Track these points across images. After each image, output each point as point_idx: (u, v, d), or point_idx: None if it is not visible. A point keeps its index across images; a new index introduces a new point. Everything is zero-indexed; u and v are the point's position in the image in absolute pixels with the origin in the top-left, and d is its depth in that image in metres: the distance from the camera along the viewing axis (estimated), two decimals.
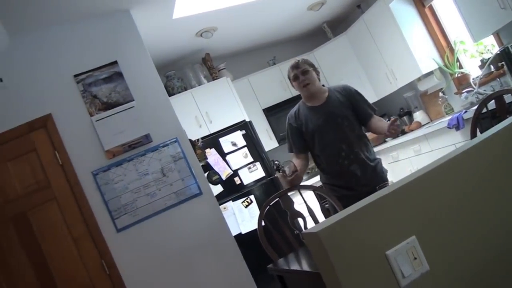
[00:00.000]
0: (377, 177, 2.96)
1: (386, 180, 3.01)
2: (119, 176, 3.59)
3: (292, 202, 2.86)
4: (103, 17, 3.85)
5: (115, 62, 3.77)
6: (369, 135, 3.31)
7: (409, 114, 5.61)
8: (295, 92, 5.84)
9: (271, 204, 2.84)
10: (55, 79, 3.67)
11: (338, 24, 6.46)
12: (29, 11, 3.39)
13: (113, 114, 3.68)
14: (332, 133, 2.97)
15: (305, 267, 2.30)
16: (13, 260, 3.39)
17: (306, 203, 2.90)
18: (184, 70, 5.60)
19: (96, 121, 3.64)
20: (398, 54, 5.13)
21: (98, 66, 3.75)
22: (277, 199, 2.87)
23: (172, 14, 4.32)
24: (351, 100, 3.03)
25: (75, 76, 3.70)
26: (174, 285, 3.57)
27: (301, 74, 3.01)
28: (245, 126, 5.07)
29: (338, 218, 1.26)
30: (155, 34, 4.53)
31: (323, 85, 3.15)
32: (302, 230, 2.76)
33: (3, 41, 3.58)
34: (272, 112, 5.89)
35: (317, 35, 6.49)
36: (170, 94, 4.88)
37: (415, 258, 1.27)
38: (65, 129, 3.61)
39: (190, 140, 3.92)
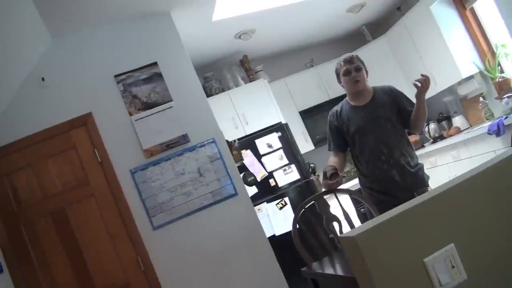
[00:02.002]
0: (417, 183, 2.83)
1: (426, 186, 2.89)
2: (156, 175, 3.66)
3: (328, 206, 2.82)
4: (144, 19, 3.92)
5: (155, 63, 3.84)
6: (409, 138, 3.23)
7: (448, 119, 5.49)
8: (333, 95, 5.83)
9: (306, 206, 2.83)
10: (96, 79, 3.77)
11: (378, 27, 6.38)
12: (71, 13, 3.50)
13: (152, 114, 3.75)
14: (373, 135, 2.90)
15: (340, 271, 2.28)
16: (51, 253, 3.49)
17: (342, 207, 2.86)
18: (222, 71, 5.64)
19: (135, 120, 3.72)
20: (438, 57, 5.02)
21: (138, 67, 3.82)
22: (313, 202, 2.85)
23: (212, 16, 4.37)
24: (396, 101, 2.95)
25: (116, 76, 3.78)
26: (207, 284, 3.60)
27: (354, 70, 2.93)
28: (281, 128, 5.07)
29: (376, 223, 1.25)
30: (194, 36, 4.59)
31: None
32: (337, 234, 2.73)
33: (46, 42, 3.70)
34: (309, 115, 5.86)
35: (355, 38, 6.42)
36: (207, 95, 4.93)
37: (453, 267, 1.24)
38: (105, 127, 3.70)
39: (227, 141, 3.95)
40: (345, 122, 3.02)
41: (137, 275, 3.54)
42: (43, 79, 3.67)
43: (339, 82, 3.07)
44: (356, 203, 4.16)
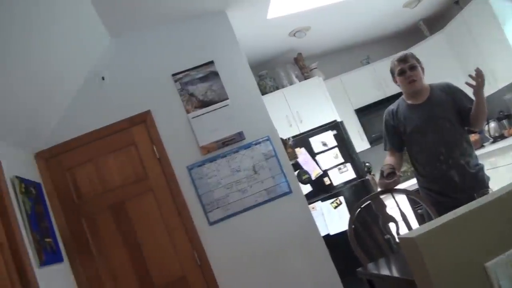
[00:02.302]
0: (477, 184, 2.74)
1: (487, 187, 2.79)
2: (212, 171, 3.72)
3: (384, 206, 2.78)
4: (200, 18, 4.00)
5: (212, 62, 3.91)
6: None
7: (509, 117, 5.24)
8: (389, 92, 5.71)
9: (362, 206, 2.80)
10: (154, 78, 3.88)
11: (435, 22, 6.17)
12: (129, 14, 3.63)
13: (208, 112, 3.82)
14: (431, 134, 2.83)
15: (397, 273, 2.25)
16: (110, 245, 3.62)
17: (399, 207, 2.81)
18: (276, 69, 5.66)
19: (192, 118, 3.80)
20: (497, 53, 4.81)
21: (195, 65, 3.90)
22: (369, 201, 2.81)
23: (267, 15, 4.39)
24: (454, 99, 2.84)
25: (173, 75, 3.88)
26: (261, 281, 3.62)
27: (409, 69, 2.87)
28: (336, 126, 5.03)
29: (436, 224, 1.22)
30: (249, 34, 4.63)
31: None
32: (393, 235, 2.69)
33: (105, 42, 3.85)
34: (364, 113, 5.78)
35: (412, 34, 6.25)
36: (262, 93, 4.95)
37: None
38: (163, 125, 3.80)
39: (281, 139, 3.97)
40: (401, 121, 2.95)
41: (193, 270, 3.61)
42: (103, 78, 3.82)
43: (395, 81, 3.01)
44: (414, 203, 4.07)
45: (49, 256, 3.12)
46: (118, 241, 3.62)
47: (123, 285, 3.56)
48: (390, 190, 2.82)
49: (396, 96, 3.14)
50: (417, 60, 2.92)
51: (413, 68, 2.87)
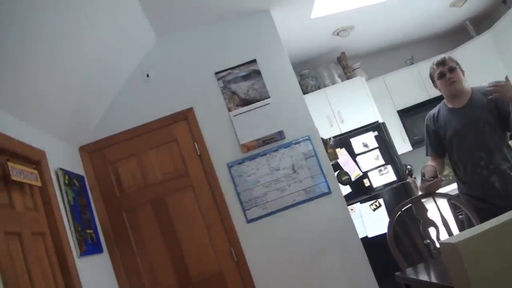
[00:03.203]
0: None
1: None
2: (252, 169, 3.75)
3: (425, 210, 2.74)
4: (244, 17, 4.03)
5: (254, 61, 3.93)
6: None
7: None
8: (433, 94, 5.56)
9: (403, 209, 2.76)
10: (197, 75, 3.94)
11: (482, 21, 5.98)
12: (174, 13, 3.69)
13: (249, 110, 3.84)
14: (471, 139, 2.77)
15: (436, 279, 2.21)
16: (149, 238, 3.70)
17: (440, 211, 2.75)
18: (319, 69, 5.63)
19: (234, 116, 3.83)
20: None
21: (238, 64, 3.93)
22: (410, 205, 2.77)
23: (311, 14, 4.38)
24: (495, 102, 2.75)
25: (216, 73, 3.92)
26: (297, 280, 3.62)
27: (449, 72, 2.83)
28: (377, 127, 4.96)
29: (478, 231, 1.20)
30: (292, 33, 4.63)
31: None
32: (433, 240, 2.64)
33: (151, 40, 3.93)
34: (407, 114, 5.67)
35: (458, 34, 6.08)
36: (303, 93, 4.94)
37: None
38: (205, 122, 3.85)
39: (322, 139, 3.95)
40: (442, 126, 2.92)
41: (230, 266, 3.65)
42: (147, 75, 3.91)
43: (435, 86, 2.98)
44: (455, 208, 3.97)
45: (90, 247, 3.22)
46: (157, 235, 3.70)
47: (160, 278, 3.64)
48: (431, 193, 2.77)
49: (440, 98, 3.09)
50: (456, 62, 2.89)
51: (452, 70, 2.84)
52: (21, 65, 2.48)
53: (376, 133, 4.91)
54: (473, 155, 2.77)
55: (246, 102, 3.86)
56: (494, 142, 2.74)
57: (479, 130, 2.76)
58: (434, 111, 3.03)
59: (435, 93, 5.52)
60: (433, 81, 2.98)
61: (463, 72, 2.89)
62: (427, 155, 3.07)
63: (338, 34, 5.13)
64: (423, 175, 2.75)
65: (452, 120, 2.87)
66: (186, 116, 3.85)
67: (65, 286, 2.72)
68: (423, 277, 2.32)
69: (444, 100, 2.99)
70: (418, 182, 2.91)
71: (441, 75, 2.87)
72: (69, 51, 2.87)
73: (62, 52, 2.80)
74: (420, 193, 2.86)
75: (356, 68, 5.66)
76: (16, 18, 2.26)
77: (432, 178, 2.73)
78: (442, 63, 2.87)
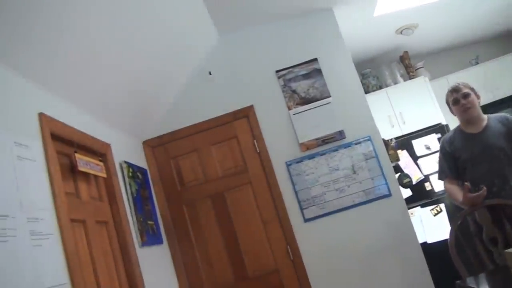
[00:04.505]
0: None
1: None
2: (310, 168, 3.73)
3: (489, 217, 2.65)
4: (306, 15, 4.01)
5: (315, 59, 3.90)
6: None
7: None
8: (498, 95, 5.40)
9: (466, 216, 2.68)
10: (258, 74, 3.96)
11: None
12: (237, 12, 3.73)
13: (309, 109, 3.82)
14: (486, 165, 2.80)
15: None
16: (208, 232, 3.77)
17: (504, 220, 2.63)
18: (381, 68, 5.52)
19: (293, 114, 3.82)
20: None
21: (299, 62, 3.92)
22: (473, 211, 2.68)
23: (374, 11, 4.30)
24: (511, 132, 2.82)
25: (277, 71, 3.93)
26: (353, 282, 3.58)
27: (462, 98, 2.90)
28: (441, 130, 4.81)
29: None
30: (354, 31, 4.57)
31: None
32: (497, 249, 2.54)
33: (214, 38, 3.99)
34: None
35: None
36: (365, 92, 4.88)
37: None
38: (265, 120, 3.87)
39: (383, 140, 3.87)
40: (457, 149, 2.95)
41: (286, 264, 3.66)
42: (210, 73, 3.97)
43: (451, 112, 3.05)
44: None
45: (150, 238, 3.32)
46: (216, 230, 3.77)
47: (217, 272, 3.70)
48: (477, 205, 2.68)
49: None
50: (471, 88, 2.96)
51: (466, 96, 2.92)
52: (89, 61, 2.59)
53: (439, 135, 4.77)
54: (486, 180, 2.78)
55: (306, 101, 3.84)
56: (509, 169, 2.77)
57: (494, 157, 2.80)
58: (449, 134, 3.10)
59: (501, 94, 5.36)
60: (449, 107, 3.07)
61: (478, 97, 2.97)
62: (442, 179, 3.10)
63: (401, 33, 5.01)
64: (466, 188, 2.69)
65: (467, 145, 2.91)
66: (247, 114, 3.88)
67: (126, 274, 2.83)
68: (484, 287, 2.23)
69: (460, 125, 3.04)
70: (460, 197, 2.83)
71: (456, 102, 2.95)
72: (135, 48, 2.96)
73: (129, 48, 2.90)
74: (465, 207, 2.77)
75: (419, 68, 5.52)
76: (86, 17, 2.35)
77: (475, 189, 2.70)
78: (456, 90, 2.96)
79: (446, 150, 3.04)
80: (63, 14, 2.17)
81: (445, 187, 3.10)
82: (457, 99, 2.93)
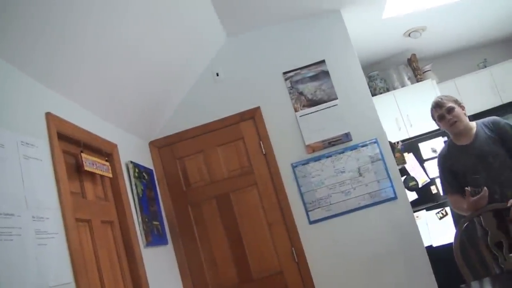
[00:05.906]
0: None
1: None
2: (316, 170, 3.72)
3: (494, 221, 2.63)
4: (314, 17, 4.00)
5: (323, 61, 3.89)
6: None
7: None
8: (506, 99, 5.38)
9: (471, 219, 2.66)
10: (265, 75, 3.96)
11: None
12: (245, 13, 3.74)
13: (316, 111, 3.81)
14: (483, 174, 2.75)
15: None
16: (213, 233, 3.78)
17: (509, 224, 2.62)
18: (388, 70, 5.51)
19: (300, 116, 3.82)
20: None
21: (306, 64, 3.91)
22: (478, 215, 2.66)
23: (382, 14, 4.29)
24: (501, 135, 2.77)
25: (284, 73, 3.92)
26: (358, 285, 3.57)
27: (447, 113, 2.86)
28: (447, 133, 4.76)
29: None
30: (362, 34, 4.56)
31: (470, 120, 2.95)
32: (502, 254, 2.52)
33: (221, 40, 4.00)
34: (480, 119, 5.42)
35: None
36: (371, 95, 4.86)
37: None
38: (271, 121, 3.86)
39: (390, 143, 3.86)
40: (454, 163, 2.91)
41: (290, 266, 3.65)
42: (217, 74, 3.98)
43: (439, 127, 3.02)
44: None
45: (155, 238, 3.33)
46: (221, 231, 3.77)
47: (222, 273, 3.71)
48: (480, 209, 2.66)
49: None
50: (454, 101, 2.92)
51: (450, 110, 2.87)
52: (97, 62, 2.60)
53: (445, 138, 4.73)
54: (488, 188, 2.71)
55: (313, 102, 3.84)
56: (506, 174, 2.72)
57: (489, 164, 2.75)
58: (444, 149, 3.06)
59: (508, 98, 5.33)
60: (436, 123, 3.02)
61: (463, 108, 2.92)
62: (445, 194, 3.07)
63: (409, 35, 5.00)
64: (469, 193, 2.68)
65: (462, 157, 2.87)
66: (253, 115, 3.88)
67: (130, 273, 2.84)
68: None
69: (451, 138, 3.01)
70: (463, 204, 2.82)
71: (441, 118, 2.92)
72: (143, 49, 2.97)
73: (136, 50, 2.91)
74: (468, 213, 2.75)
75: (427, 71, 5.50)
76: (95, 18, 2.36)
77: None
78: (439, 105, 2.91)
79: (444, 166, 3.01)
80: (72, 15, 2.18)
81: (449, 201, 3.09)
82: (442, 115, 2.90)
